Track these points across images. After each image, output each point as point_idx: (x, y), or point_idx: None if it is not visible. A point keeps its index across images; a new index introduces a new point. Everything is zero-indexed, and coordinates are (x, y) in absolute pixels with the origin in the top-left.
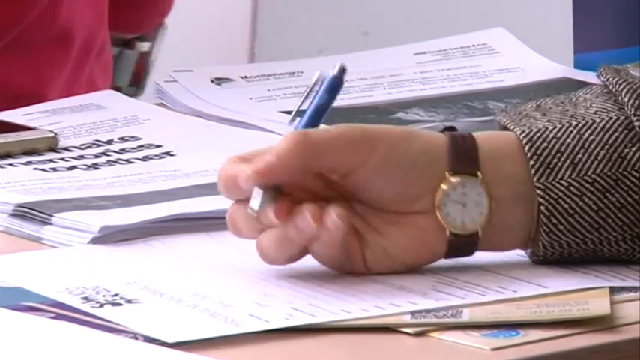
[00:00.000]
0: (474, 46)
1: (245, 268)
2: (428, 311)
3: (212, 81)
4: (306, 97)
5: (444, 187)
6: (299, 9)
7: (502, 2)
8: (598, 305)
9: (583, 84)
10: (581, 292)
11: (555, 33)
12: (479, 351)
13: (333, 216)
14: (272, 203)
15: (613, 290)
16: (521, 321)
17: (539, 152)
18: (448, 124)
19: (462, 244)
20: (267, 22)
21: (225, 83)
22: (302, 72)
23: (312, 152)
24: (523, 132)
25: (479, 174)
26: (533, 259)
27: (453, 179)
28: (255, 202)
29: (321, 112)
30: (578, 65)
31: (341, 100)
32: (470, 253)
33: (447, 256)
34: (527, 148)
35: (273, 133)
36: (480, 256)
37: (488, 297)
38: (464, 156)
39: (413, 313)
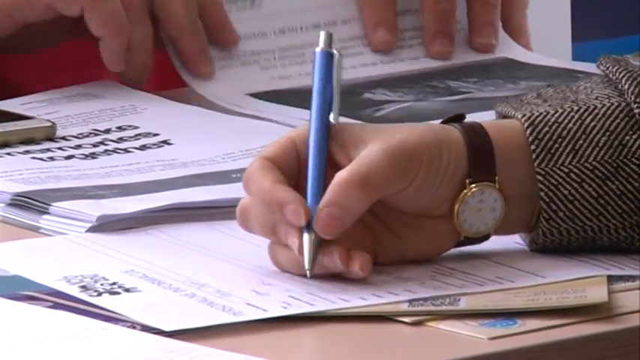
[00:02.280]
0: None
1: (243, 256)
2: (425, 300)
3: None
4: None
5: (463, 195)
6: None
7: None
8: (595, 293)
9: (521, 65)
10: (579, 280)
11: (554, 22)
12: (476, 340)
13: (356, 267)
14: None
15: (611, 279)
16: (519, 309)
17: (540, 136)
18: (453, 110)
19: (472, 242)
20: None
21: None
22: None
23: (375, 193)
24: (524, 115)
25: (496, 182)
26: (532, 247)
27: (473, 188)
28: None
29: (326, 94)
30: (577, 54)
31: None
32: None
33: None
34: (528, 131)
35: (270, 121)
36: (479, 246)
37: (486, 287)
38: (482, 163)
39: (410, 301)
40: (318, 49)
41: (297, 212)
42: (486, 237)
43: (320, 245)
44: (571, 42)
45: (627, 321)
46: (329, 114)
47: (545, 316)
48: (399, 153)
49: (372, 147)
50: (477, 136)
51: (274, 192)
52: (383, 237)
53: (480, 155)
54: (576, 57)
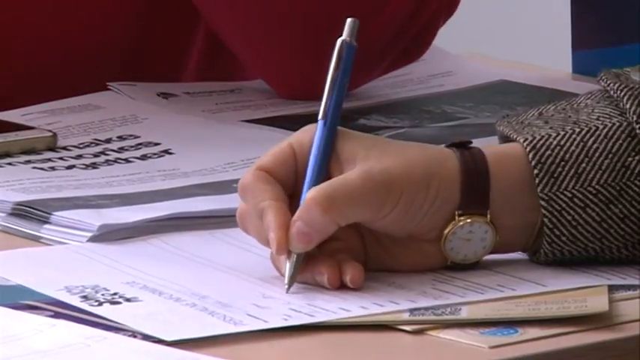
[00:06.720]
0: None
1: (244, 267)
2: (426, 309)
3: (158, 95)
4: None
5: (452, 226)
6: None
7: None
8: (596, 302)
9: (518, 85)
10: (580, 289)
11: (553, 31)
12: (477, 349)
13: (347, 279)
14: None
15: (612, 288)
16: (520, 318)
17: (543, 160)
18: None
19: (461, 268)
20: None
21: (171, 98)
22: (240, 89)
23: (339, 214)
24: (526, 139)
25: (488, 215)
26: (533, 260)
27: (462, 220)
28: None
29: (342, 92)
30: (577, 63)
31: (295, 109)
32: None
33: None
34: (531, 155)
35: (274, 128)
36: None
37: (487, 295)
38: (475, 197)
39: (411, 310)
40: (341, 39)
41: (272, 241)
42: (475, 264)
43: (303, 259)
44: (571, 51)
45: (628, 330)
46: (339, 116)
47: (545, 324)
48: (376, 184)
49: (355, 170)
50: (475, 167)
51: (265, 214)
52: (370, 248)
53: (474, 189)
54: (576, 66)
